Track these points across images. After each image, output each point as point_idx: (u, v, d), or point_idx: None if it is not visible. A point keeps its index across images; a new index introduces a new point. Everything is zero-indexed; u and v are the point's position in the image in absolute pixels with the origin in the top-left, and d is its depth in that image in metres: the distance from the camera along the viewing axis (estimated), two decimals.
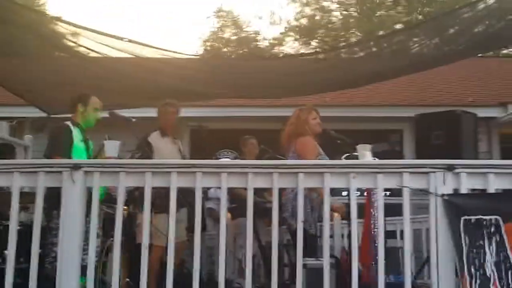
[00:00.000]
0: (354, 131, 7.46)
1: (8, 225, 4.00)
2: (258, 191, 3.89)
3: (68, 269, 3.02)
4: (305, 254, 3.32)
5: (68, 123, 4.03)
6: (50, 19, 5.88)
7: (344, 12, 23.03)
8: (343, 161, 3.64)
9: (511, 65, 11.36)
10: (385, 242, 4.96)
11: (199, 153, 6.14)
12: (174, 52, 5.46)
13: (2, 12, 5.33)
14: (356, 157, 4.03)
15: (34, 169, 3.10)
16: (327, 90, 7.08)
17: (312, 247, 3.88)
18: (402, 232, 3.31)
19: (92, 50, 5.39)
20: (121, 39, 4.89)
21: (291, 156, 4.36)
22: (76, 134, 3.99)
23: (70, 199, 3.06)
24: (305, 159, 4.16)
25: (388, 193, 4.67)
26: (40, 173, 3.09)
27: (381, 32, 19.16)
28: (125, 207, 3.91)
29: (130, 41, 4.92)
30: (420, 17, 20.61)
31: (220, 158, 7.71)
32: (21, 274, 3.24)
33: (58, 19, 5.32)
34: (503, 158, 7.58)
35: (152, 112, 5.03)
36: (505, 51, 16.37)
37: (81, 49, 5.67)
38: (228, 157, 7.91)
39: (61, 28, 5.59)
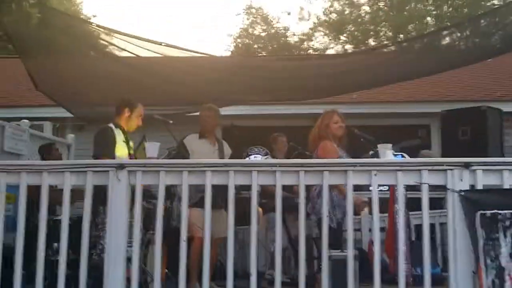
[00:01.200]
0: (382, 126, 7.62)
1: (56, 220, 4.40)
2: (288, 187, 4.13)
3: (115, 260, 3.31)
4: (331, 247, 3.56)
5: (111, 125, 4.35)
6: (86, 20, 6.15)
7: (374, 6, 22.91)
8: (365, 160, 3.85)
9: None
10: (413, 235, 5.14)
11: (232, 150, 6.39)
12: (206, 54, 5.70)
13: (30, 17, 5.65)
14: (377, 155, 4.22)
15: (83, 168, 3.42)
16: (359, 89, 7.20)
17: (338, 241, 4.08)
18: (430, 225, 3.48)
19: (125, 50, 5.68)
20: (160, 43, 5.16)
21: (315, 158, 4.57)
22: (118, 135, 4.30)
23: (115, 196, 3.36)
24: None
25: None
26: (89, 173, 3.41)
27: (411, 26, 19.08)
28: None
29: (167, 45, 5.19)
30: (450, 9, 20.37)
31: (250, 155, 7.93)
32: (69, 265, 3.52)
33: (96, 25, 5.58)
34: None
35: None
36: None
37: (114, 50, 5.98)
38: (259, 154, 8.11)
39: (95, 28, 5.91)
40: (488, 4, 18.59)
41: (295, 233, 5.51)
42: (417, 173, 3.22)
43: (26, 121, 6.62)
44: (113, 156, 4.06)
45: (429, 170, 3.19)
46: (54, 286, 3.38)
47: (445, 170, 3.18)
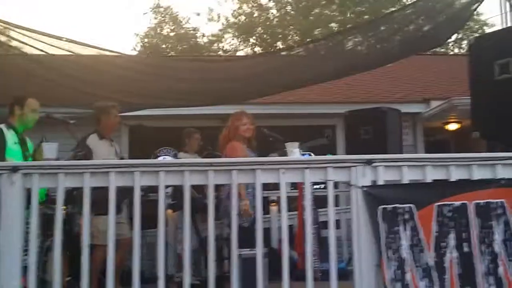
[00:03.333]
0: (290, 127, 7.78)
1: None
2: (199, 188, 4.06)
3: (10, 269, 3.07)
4: (241, 247, 3.55)
5: (2, 126, 4.04)
6: None
7: (281, 10, 23.45)
8: (273, 158, 3.89)
9: (436, 63, 12.07)
10: (319, 232, 5.29)
11: (139, 152, 6.22)
12: (113, 52, 5.50)
13: None
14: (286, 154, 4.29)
15: None
16: (267, 94, 7.28)
17: (250, 240, 4.09)
18: (335, 222, 3.57)
19: (27, 44, 5.33)
20: (60, 38, 4.90)
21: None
22: (10, 136, 4.01)
23: (9, 201, 3.11)
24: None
25: (322, 186, 4.97)
26: None
27: (317, 31, 19.74)
28: (64, 207, 3.96)
29: (68, 40, 4.94)
30: (352, 16, 21.34)
31: (159, 156, 7.77)
32: None
33: None
34: (427, 150, 8.13)
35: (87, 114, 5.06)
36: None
37: (15, 45, 5.60)
38: (168, 155, 7.97)
39: None
40: (387, 12, 19.65)
41: (205, 234, 5.47)
42: (323, 170, 3.29)
43: None
44: (1, 160, 3.77)
45: (334, 167, 3.27)
46: None
47: (349, 167, 3.27)
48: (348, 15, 21.96)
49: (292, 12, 23.59)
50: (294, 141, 3.80)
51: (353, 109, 6.76)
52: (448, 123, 8.49)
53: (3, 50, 5.77)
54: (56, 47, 5.06)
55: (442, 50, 21.36)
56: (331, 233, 3.29)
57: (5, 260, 3.08)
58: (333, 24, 21.69)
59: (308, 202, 3.36)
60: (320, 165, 3.28)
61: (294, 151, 3.63)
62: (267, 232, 6.26)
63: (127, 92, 5.96)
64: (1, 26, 5.30)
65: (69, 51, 5.15)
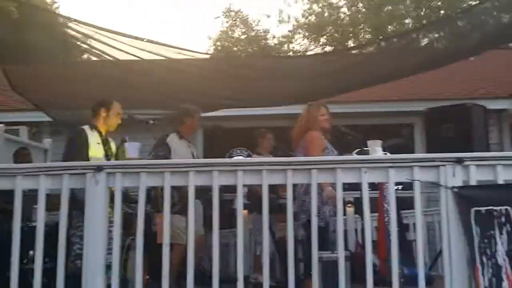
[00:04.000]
0: (364, 126, 7.56)
1: (31, 227, 4.20)
2: (271, 188, 3.99)
3: (94, 267, 3.13)
4: (319, 248, 3.44)
5: (85, 126, 4.17)
6: (63, 21, 5.98)
7: (352, 8, 23.02)
8: (355, 157, 3.74)
9: None
10: (403, 235, 5.06)
11: (212, 153, 6.26)
12: (191, 51, 5.56)
13: (20, 16, 5.46)
14: (367, 152, 4.12)
15: (59, 171, 3.24)
16: (338, 93, 7.12)
17: (325, 241, 3.97)
18: (415, 225, 3.38)
19: (105, 53, 5.51)
20: (142, 39, 5.03)
21: (299, 151, 4.47)
22: (94, 137, 4.12)
23: (93, 199, 3.18)
24: (311, 153, 4.29)
25: (400, 187, 4.76)
26: (65, 175, 3.22)
27: (390, 27, 19.19)
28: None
29: (149, 41, 5.06)
30: (428, 11, 20.56)
31: (233, 156, 7.80)
32: (44, 274, 3.31)
33: (75, 20, 5.40)
34: None
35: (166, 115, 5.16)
36: None
37: (94, 52, 5.80)
38: (241, 155, 7.98)
39: (74, 31, 5.72)
40: (465, 6, 18.78)
41: (279, 235, 5.40)
42: (408, 170, 3.11)
43: (1, 125, 6.39)
44: (84, 159, 3.88)
45: (420, 166, 3.09)
46: None
47: (437, 166, 3.08)
48: (423, 10, 21.18)
49: (363, 9, 23.09)
50: (376, 139, 3.64)
51: (434, 106, 6.42)
52: None
53: (83, 54, 6.01)
54: (137, 48, 5.18)
55: None
56: (419, 238, 3.11)
57: (89, 258, 3.15)
58: (407, 20, 21.02)
59: (393, 204, 3.18)
60: (405, 164, 3.10)
61: (377, 150, 3.47)
62: (343, 234, 6.09)
63: (202, 94, 6.02)
64: (84, 30, 5.48)
65: (150, 52, 5.25)
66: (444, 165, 3.05)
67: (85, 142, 3.99)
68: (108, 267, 3.28)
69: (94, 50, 5.73)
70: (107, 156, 4.10)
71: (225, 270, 5.86)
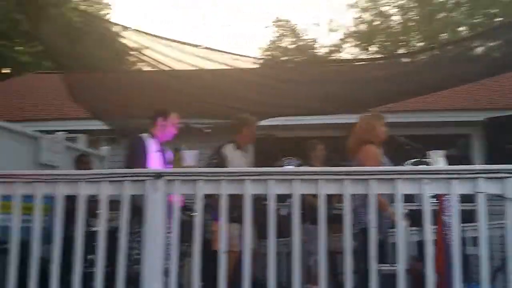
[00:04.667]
0: (419, 136, 7.36)
1: (90, 232, 4.32)
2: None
3: (152, 273, 3.19)
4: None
5: (144, 135, 4.27)
6: (117, 31, 6.15)
7: (404, 16, 22.64)
8: (415, 167, 3.65)
9: None
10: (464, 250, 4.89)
11: (264, 162, 6.24)
12: (248, 56, 5.59)
13: (69, 22, 5.65)
14: (425, 163, 4.01)
15: (120, 178, 3.32)
16: (389, 102, 7.00)
17: (384, 254, 3.88)
18: (473, 239, 3.26)
19: (159, 62, 5.62)
20: (196, 46, 5.11)
21: (355, 164, 4.38)
22: (152, 145, 4.22)
23: (152, 206, 3.24)
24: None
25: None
26: (126, 182, 3.31)
27: (443, 35, 18.75)
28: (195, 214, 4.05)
29: (206, 48, 5.14)
30: (483, 18, 19.95)
31: (284, 166, 7.79)
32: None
33: (131, 29, 5.53)
34: None
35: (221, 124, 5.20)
36: None
37: (148, 61, 5.93)
38: (292, 165, 7.97)
39: (128, 40, 5.88)
40: None
41: (332, 246, 5.33)
42: (472, 181, 3.00)
43: (62, 133, 6.64)
44: (143, 167, 3.96)
45: (485, 178, 2.98)
46: None
47: (502, 178, 2.96)
48: (478, 18, 20.57)
49: (415, 17, 22.68)
50: (437, 150, 3.54)
51: (494, 116, 6.21)
52: None
53: (136, 64, 6.16)
54: (193, 55, 5.26)
55: None
56: (484, 253, 2.99)
57: (149, 263, 3.21)
58: (461, 28, 20.47)
59: (456, 217, 3.07)
60: (469, 175, 3.00)
61: (439, 160, 3.38)
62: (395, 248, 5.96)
63: (254, 102, 6.04)
64: (138, 39, 5.61)
65: (207, 59, 5.32)
66: (510, 177, 2.94)
67: (145, 150, 4.09)
68: (165, 272, 3.33)
69: (147, 59, 5.86)
70: (165, 164, 4.18)
71: (277, 279, 5.84)
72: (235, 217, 3.87)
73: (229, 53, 5.30)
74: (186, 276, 4.31)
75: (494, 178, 2.98)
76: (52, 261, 3.36)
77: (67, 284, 3.82)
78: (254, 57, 5.77)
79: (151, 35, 5.38)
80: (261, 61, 7.09)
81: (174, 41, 5.14)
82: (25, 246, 3.61)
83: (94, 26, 6.32)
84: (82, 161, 5.83)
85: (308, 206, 4.08)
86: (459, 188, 3.02)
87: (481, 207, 2.99)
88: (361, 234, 3.85)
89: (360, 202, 4.06)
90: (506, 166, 3.00)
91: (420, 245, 5.13)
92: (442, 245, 3.79)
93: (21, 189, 3.44)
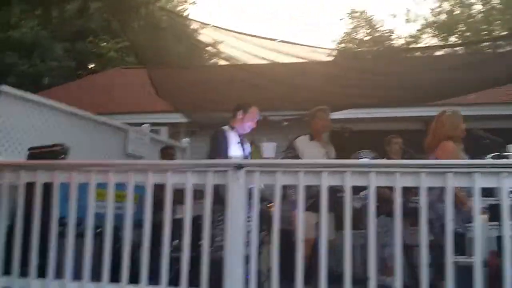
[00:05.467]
0: (499, 129, 7.12)
1: (174, 219, 4.61)
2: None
3: (235, 258, 3.39)
4: (455, 254, 3.38)
5: (226, 127, 4.49)
6: (197, 28, 6.40)
7: (487, 5, 21.61)
8: (494, 161, 3.61)
9: None
10: None
11: (339, 154, 6.31)
12: (324, 48, 5.66)
13: (157, 20, 5.94)
14: (505, 157, 3.94)
15: (204, 168, 3.55)
16: (469, 92, 6.83)
17: (460, 247, 3.86)
18: None
19: (236, 57, 5.82)
20: (274, 40, 5.27)
21: (432, 159, 4.37)
22: (233, 137, 4.43)
23: (234, 195, 3.44)
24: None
25: None
26: (209, 173, 3.53)
27: None
28: (270, 205, 4.22)
29: (281, 41, 5.27)
30: None
31: (359, 158, 7.79)
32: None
33: (210, 25, 5.75)
34: None
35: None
36: None
37: (226, 56, 6.15)
38: (367, 157, 7.94)
39: (206, 36, 6.12)
40: None
41: (407, 239, 5.32)
42: None
43: (147, 125, 7.03)
44: (226, 158, 4.17)
45: None
46: (173, 281, 3.54)
47: None
48: None
49: (499, 6, 21.58)
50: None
51: None
52: None
53: (213, 59, 6.40)
54: (268, 50, 5.40)
55: None
56: None
57: (231, 249, 3.41)
58: None
59: None
60: None
61: None
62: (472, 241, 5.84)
63: (330, 93, 6.11)
64: (215, 34, 5.82)
65: (282, 53, 5.44)
66: None
67: (226, 142, 4.30)
68: (245, 258, 3.52)
69: (224, 55, 6.08)
70: (244, 156, 4.38)
71: (352, 271, 5.91)
72: (312, 206, 4.01)
73: (305, 45, 5.39)
74: (263, 263, 4.50)
75: None
76: (143, 246, 3.62)
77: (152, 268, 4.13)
78: (330, 49, 5.79)
79: (229, 30, 5.57)
80: (336, 52, 7.06)
81: (251, 35, 5.31)
82: (116, 232, 3.95)
83: (176, 23, 6.63)
84: (167, 152, 6.17)
85: (384, 199, 4.13)
86: None
87: None
88: (440, 229, 3.87)
89: (437, 197, 4.06)
90: None
91: (500, 240, 5.03)
92: None
93: (115, 178, 3.75)
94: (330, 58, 6.39)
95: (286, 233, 5.03)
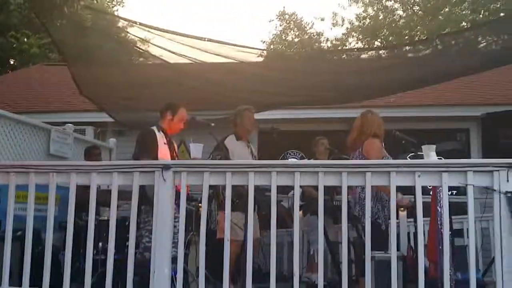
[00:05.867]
0: (420, 130, 7.55)
1: (100, 220, 4.53)
2: (326, 190, 4.12)
3: (161, 258, 3.38)
4: (374, 249, 3.56)
5: (153, 127, 4.45)
6: (124, 26, 6.29)
7: (408, 11, 22.70)
8: (409, 161, 3.83)
9: None
10: (453, 240, 5.09)
11: (267, 154, 6.45)
12: (253, 48, 5.71)
13: (81, 19, 5.79)
14: (421, 157, 4.19)
15: (131, 169, 3.52)
16: (392, 92, 7.18)
17: (382, 244, 4.06)
18: (474, 229, 3.44)
19: (163, 56, 5.77)
20: (202, 39, 5.25)
21: (357, 157, 4.58)
22: (161, 138, 4.39)
23: (161, 196, 3.44)
24: (371, 160, 4.38)
25: (454, 192, 4.78)
26: (136, 173, 3.50)
27: (446, 30, 18.82)
28: (200, 205, 4.25)
29: (210, 40, 5.26)
30: (486, 14, 20.00)
31: (287, 159, 7.99)
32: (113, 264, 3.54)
33: (139, 23, 5.66)
34: None
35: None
36: None
37: (153, 55, 6.08)
38: (295, 158, 8.17)
39: (133, 35, 6.04)
40: None
41: (332, 236, 5.52)
42: (462, 174, 3.19)
43: (71, 125, 6.83)
44: (154, 158, 4.14)
45: (474, 171, 3.16)
46: (99, 285, 3.48)
47: (491, 171, 3.14)
48: (482, 13, 20.63)
49: (419, 12, 22.74)
50: (430, 144, 3.72)
51: (491, 111, 6.38)
52: None
53: (141, 57, 6.33)
54: (197, 49, 5.38)
55: None
56: (472, 243, 3.18)
57: (158, 250, 3.40)
58: (464, 24, 20.51)
59: (445, 208, 3.26)
60: (459, 168, 3.19)
61: (431, 154, 3.56)
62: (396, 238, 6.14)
63: (260, 92, 6.20)
64: (142, 33, 5.74)
65: (210, 52, 5.44)
66: (497, 170, 3.12)
67: (154, 142, 4.26)
68: (172, 260, 3.53)
69: (153, 53, 6.02)
70: (172, 157, 4.36)
71: (279, 268, 6.06)
72: (239, 206, 4.07)
73: (233, 44, 5.42)
74: (191, 263, 4.52)
75: (483, 172, 3.16)
76: (66, 248, 3.53)
77: (78, 270, 4.03)
78: (258, 49, 5.85)
79: (156, 28, 5.50)
80: (265, 53, 7.16)
81: (179, 34, 5.26)
82: (37, 235, 3.82)
83: (102, 21, 6.48)
84: (92, 153, 6.02)
85: (310, 198, 4.27)
86: (449, 181, 3.20)
87: (470, 199, 3.18)
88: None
89: (365, 194, 4.25)
90: (494, 160, 3.17)
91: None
92: (435, 234, 3.97)
93: (36, 179, 3.63)
94: (260, 59, 6.49)
95: (215, 233, 5.09)
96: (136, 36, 6.05)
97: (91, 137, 7.59)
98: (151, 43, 5.88)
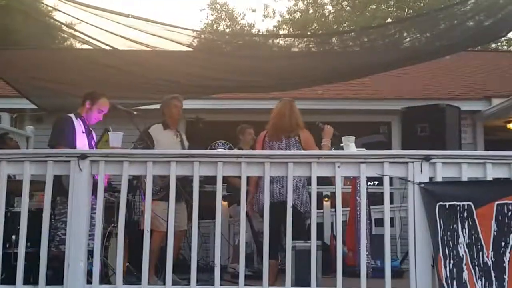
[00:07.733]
0: (345, 123, 7.73)
1: (14, 212, 4.28)
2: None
3: (77, 252, 3.25)
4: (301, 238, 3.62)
5: (71, 115, 4.23)
6: (47, 6, 5.96)
7: (337, 6, 23.24)
8: (329, 152, 3.91)
9: (496, 59, 11.65)
10: (373, 229, 5.27)
11: (195, 144, 6.36)
12: (178, 27, 5.55)
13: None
14: (342, 148, 4.29)
15: (44, 158, 3.34)
16: (320, 83, 7.32)
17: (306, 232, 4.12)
18: (390, 219, 3.57)
19: (91, 38, 5.51)
20: (127, 15, 5.04)
21: (293, 145, 4.54)
22: (79, 125, 4.20)
23: (77, 186, 3.29)
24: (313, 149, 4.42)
25: (376, 182, 4.92)
26: (49, 162, 3.33)
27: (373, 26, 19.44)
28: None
29: (133, 17, 5.06)
30: (411, 11, 20.86)
31: (215, 149, 7.95)
32: (27, 257, 3.39)
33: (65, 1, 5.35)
34: (487, 149, 7.87)
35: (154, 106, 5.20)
36: (493, 46, 16.73)
37: (79, 38, 5.81)
38: (223, 148, 8.15)
39: (59, 18, 5.73)
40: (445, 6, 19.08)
41: (258, 226, 5.56)
42: (379, 165, 3.28)
43: None
44: (71, 146, 3.95)
45: (390, 162, 3.26)
46: (12, 279, 3.30)
47: (406, 162, 3.26)
48: (406, 11, 21.49)
49: (348, 8, 23.33)
50: (350, 136, 3.81)
51: (410, 106, 6.64)
52: (510, 121, 8.16)
53: (66, 40, 6.05)
54: (121, 24, 5.14)
55: (505, 47, 20.58)
56: (387, 230, 3.29)
57: (73, 243, 3.26)
58: (389, 21, 21.27)
59: (363, 198, 3.35)
60: (376, 159, 3.28)
61: (350, 145, 3.64)
62: (320, 227, 6.28)
63: (186, 79, 6.10)
64: (67, 14, 5.43)
65: (136, 29, 5.22)
66: (412, 162, 3.24)
67: (71, 130, 4.06)
68: (90, 252, 3.40)
69: (80, 34, 5.73)
70: (90, 146, 4.18)
71: (205, 259, 6.03)
72: (165, 197, 3.98)
73: (158, 23, 5.26)
74: (112, 256, 4.38)
75: (399, 163, 3.27)
76: None
77: None
78: (185, 28, 5.69)
79: (83, 4, 5.22)
80: (195, 33, 7.03)
81: (100, 9, 4.99)
82: None
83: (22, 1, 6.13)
84: (3, 141, 5.67)
85: (236, 188, 4.24)
86: (367, 171, 3.28)
87: (386, 189, 3.29)
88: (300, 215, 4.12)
89: (303, 183, 4.30)
90: (408, 151, 3.31)
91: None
92: (353, 223, 4.09)
93: None
94: (189, 48, 6.37)
95: (139, 224, 4.97)
96: (63, 16, 5.71)
97: (8, 124, 7.16)
98: (79, 22, 5.56)
